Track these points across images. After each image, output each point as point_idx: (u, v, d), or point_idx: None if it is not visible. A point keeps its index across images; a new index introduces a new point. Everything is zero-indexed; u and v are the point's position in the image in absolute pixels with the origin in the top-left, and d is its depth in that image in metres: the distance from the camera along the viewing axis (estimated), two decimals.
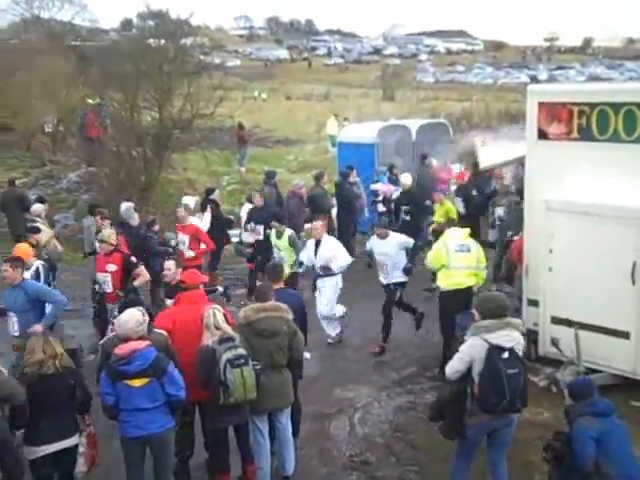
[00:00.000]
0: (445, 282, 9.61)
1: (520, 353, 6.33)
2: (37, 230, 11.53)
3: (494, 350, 6.19)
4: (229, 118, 20.10)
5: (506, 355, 6.19)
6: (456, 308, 9.34)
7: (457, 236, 9.69)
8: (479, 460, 6.80)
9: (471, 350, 6.34)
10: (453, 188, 15.82)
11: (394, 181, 15.82)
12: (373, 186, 15.85)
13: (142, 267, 10.10)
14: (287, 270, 10.62)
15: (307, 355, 8.49)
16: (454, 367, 6.46)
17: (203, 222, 13.52)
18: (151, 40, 21.35)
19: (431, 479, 7.39)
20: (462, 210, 14.36)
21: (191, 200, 14.39)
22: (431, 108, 36.84)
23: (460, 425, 6.46)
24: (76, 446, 6.46)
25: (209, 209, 14.06)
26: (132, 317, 6.36)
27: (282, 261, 10.72)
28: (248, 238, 13.44)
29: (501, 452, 6.68)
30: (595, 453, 5.92)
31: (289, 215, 13.79)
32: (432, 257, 9.77)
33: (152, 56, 19.93)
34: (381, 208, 15.73)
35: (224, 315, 6.97)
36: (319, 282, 11.00)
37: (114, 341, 6.61)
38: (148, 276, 10.22)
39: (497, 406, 6.17)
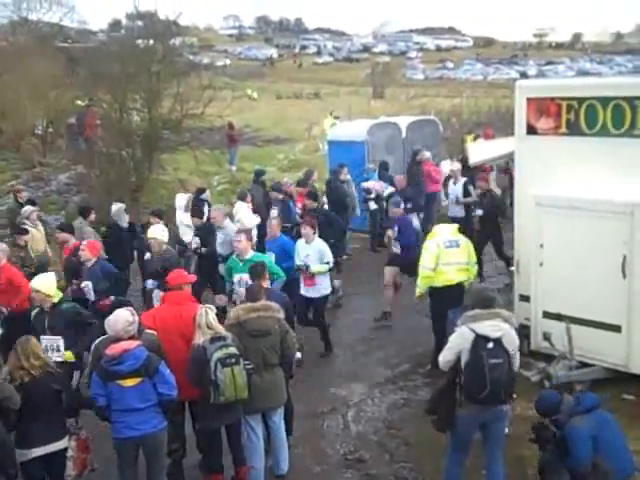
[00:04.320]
0: (435, 279, 9.58)
1: (510, 345, 6.33)
2: (25, 232, 11.49)
3: (479, 339, 6.24)
4: (219, 118, 20.05)
5: (491, 345, 6.22)
6: (447, 304, 9.36)
7: (446, 232, 9.66)
8: (473, 457, 6.82)
9: (459, 340, 6.40)
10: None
11: (386, 179, 15.79)
12: (365, 184, 15.81)
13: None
14: None
15: (298, 355, 8.50)
16: (445, 357, 6.56)
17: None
18: (140, 41, 21.22)
19: (425, 476, 7.39)
20: None
21: (184, 198, 14.37)
22: (421, 105, 36.88)
23: (452, 417, 6.49)
24: (65, 450, 6.45)
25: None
26: (122, 317, 6.36)
27: None
28: None
29: (497, 449, 6.68)
30: (592, 451, 5.94)
31: None
32: (428, 259, 9.44)
33: (141, 57, 19.83)
34: (373, 206, 15.68)
35: (216, 315, 6.97)
36: None
37: (106, 342, 6.61)
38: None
39: (479, 395, 6.20)
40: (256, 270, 8.12)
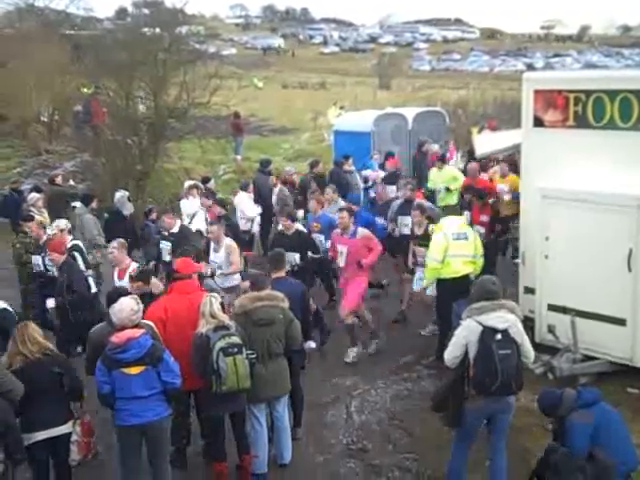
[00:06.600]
0: (442, 271, 9.56)
1: (516, 336, 6.32)
2: (31, 218, 11.50)
3: (487, 331, 6.23)
4: (224, 107, 20.04)
5: (499, 336, 6.22)
6: (453, 297, 9.34)
7: (454, 224, 9.65)
8: (476, 448, 6.82)
9: (465, 333, 6.38)
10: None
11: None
12: (364, 172, 15.79)
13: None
14: None
15: (312, 344, 8.49)
16: (452, 353, 6.50)
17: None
18: (146, 29, 21.22)
19: (428, 466, 7.40)
20: None
21: (188, 182, 14.40)
22: (427, 96, 36.76)
23: (461, 412, 6.48)
24: (70, 434, 6.48)
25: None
26: (127, 305, 6.35)
27: None
28: (244, 226, 13.50)
29: (501, 439, 6.69)
30: (592, 443, 5.93)
31: (281, 202, 13.82)
32: (436, 250, 9.41)
33: (147, 45, 19.84)
34: (372, 194, 15.64)
35: (220, 304, 6.96)
36: None
37: (103, 330, 6.62)
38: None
39: (491, 387, 6.20)
40: (274, 260, 8.13)
